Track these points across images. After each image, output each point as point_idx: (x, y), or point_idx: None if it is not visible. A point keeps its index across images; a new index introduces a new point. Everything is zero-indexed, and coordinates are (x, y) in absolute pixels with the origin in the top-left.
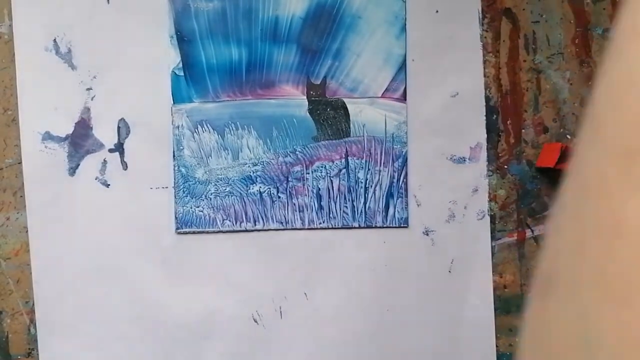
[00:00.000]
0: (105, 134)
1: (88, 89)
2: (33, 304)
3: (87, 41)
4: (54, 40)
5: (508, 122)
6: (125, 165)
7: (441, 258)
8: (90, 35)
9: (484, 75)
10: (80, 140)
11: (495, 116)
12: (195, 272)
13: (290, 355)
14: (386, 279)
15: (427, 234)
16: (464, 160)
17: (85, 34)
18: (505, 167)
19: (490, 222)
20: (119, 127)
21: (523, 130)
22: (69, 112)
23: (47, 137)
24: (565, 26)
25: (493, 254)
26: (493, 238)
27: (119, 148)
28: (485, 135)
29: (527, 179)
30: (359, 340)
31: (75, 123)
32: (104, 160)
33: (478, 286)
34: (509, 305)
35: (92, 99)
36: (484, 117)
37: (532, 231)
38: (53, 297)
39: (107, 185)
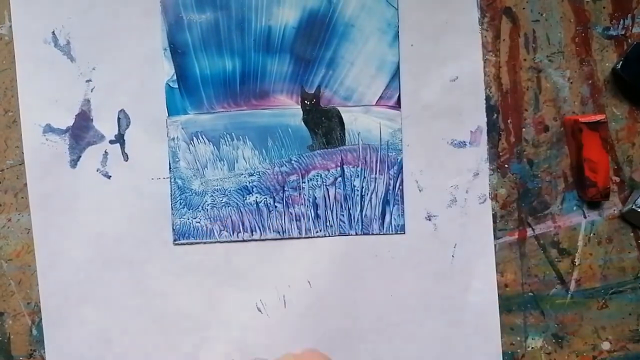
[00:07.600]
0: (105, 125)
1: (87, 81)
2: (34, 305)
3: (86, 33)
4: (53, 33)
5: (508, 121)
6: (126, 157)
7: (444, 243)
8: (88, 26)
9: (485, 74)
10: (81, 132)
11: (495, 115)
12: (198, 261)
13: (294, 343)
14: (389, 266)
15: (430, 219)
16: (465, 144)
17: (83, 26)
18: (506, 166)
19: (492, 221)
20: (119, 119)
21: (523, 129)
22: (69, 104)
23: (48, 129)
24: (565, 25)
25: (495, 252)
26: (494, 237)
27: (120, 139)
28: (486, 119)
29: (528, 178)
30: (364, 328)
31: (76, 115)
32: (105, 151)
33: (481, 270)
34: (510, 304)
35: (91, 91)
36: (484, 101)
37: (533, 230)
38: (58, 289)
39: (109, 177)
